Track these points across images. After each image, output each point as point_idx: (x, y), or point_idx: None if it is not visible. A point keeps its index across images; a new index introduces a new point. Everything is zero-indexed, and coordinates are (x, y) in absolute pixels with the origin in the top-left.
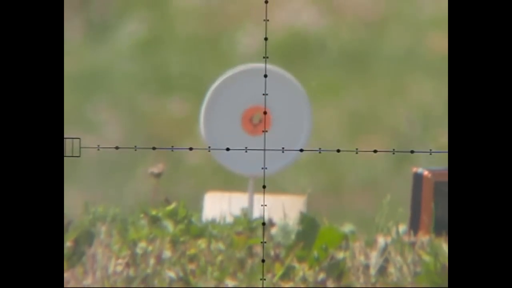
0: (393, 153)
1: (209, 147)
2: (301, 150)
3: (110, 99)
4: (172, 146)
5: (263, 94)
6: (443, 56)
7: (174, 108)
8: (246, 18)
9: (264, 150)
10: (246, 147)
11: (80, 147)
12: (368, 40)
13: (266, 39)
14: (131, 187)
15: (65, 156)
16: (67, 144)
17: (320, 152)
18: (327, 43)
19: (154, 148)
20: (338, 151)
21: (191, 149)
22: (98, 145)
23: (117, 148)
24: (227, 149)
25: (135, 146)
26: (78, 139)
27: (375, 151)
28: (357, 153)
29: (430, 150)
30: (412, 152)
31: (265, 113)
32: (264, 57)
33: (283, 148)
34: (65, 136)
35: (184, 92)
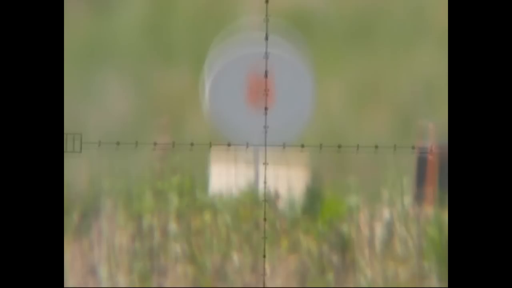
0: (395, 149)
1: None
2: (302, 146)
3: (114, 71)
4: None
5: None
6: (445, 26)
7: (178, 78)
8: None
9: (266, 127)
10: (247, 143)
11: (81, 142)
12: (370, 11)
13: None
14: (136, 158)
15: (66, 152)
16: (68, 139)
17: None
18: (329, 14)
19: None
20: (339, 146)
21: (192, 144)
22: (99, 141)
23: (118, 143)
24: (228, 145)
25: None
26: (79, 135)
27: (376, 147)
28: (358, 149)
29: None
30: (413, 148)
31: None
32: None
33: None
34: (66, 132)
35: (186, 62)
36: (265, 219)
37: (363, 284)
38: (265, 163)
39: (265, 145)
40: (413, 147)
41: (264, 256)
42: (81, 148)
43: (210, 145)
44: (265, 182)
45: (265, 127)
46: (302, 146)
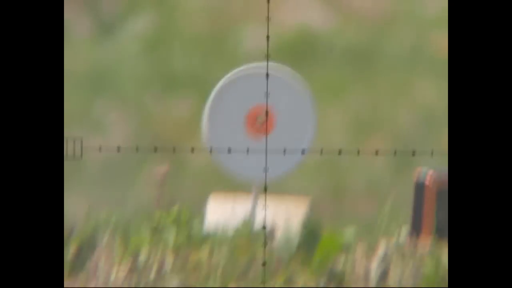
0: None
1: (211, 148)
2: (303, 152)
3: (114, 97)
4: (174, 147)
5: (266, 92)
6: (446, 55)
7: (178, 108)
8: (250, 17)
9: (266, 151)
10: (247, 148)
11: (82, 147)
12: (372, 39)
13: (268, 37)
14: (133, 191)
15: (66, 158)
16: (69, 145)
17: (321, 153)
18: (332, 42)
19: (156, 149)
20: (340, 152)
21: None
22: (100, 146)
23: (118, 150)
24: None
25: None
26: (79, 141)
27: (376, 153)
28: (358, 154)
29: (432, 151)
30: (413, 154)
31: (267, 114)
32: (266, 56)
33: (285, 150)
34: (66, 137)
35: (188, 91)
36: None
37: None
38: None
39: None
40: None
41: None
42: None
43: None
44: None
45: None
46: (302, 152)
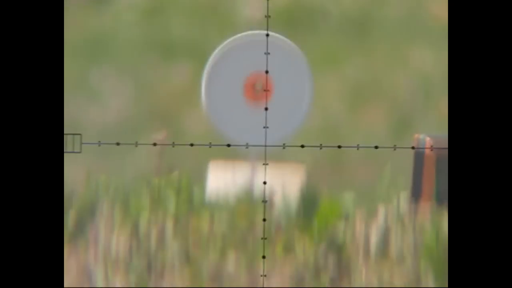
0: (394, 149)
1: (210, 143)
2: (302, 146)
3: (112, 66)
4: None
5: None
6: (444, 22)
7: (176, 75)
8: None
9: (265, 127)
10: (247, 143)
11: (81, 143)
12: (369, 7)
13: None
14: (133, 157)
15: (66, 152)
16: (68, 139)
17: (321, 149)
18: (328, 11)
19: (154, 144)
20: (339, 147)
21: (192, 145)
22: (99, 141)
23: (118, 144)
24: (228, 146)
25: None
26: (79, 135)
27: (376, 147)
28: (357, 149)
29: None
30: (413, 148)
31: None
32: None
33: (284, 144)
34: (65, 132)
35: (186, 58)
36: (264, 220)
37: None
38: (265, 163)
39: (265, 145)
40: (412, 147)
41: (264, 257)
42: (81, 148)
43: (210, 145)
44: (264, 183)
45: (265, 127)
46: (302, 146)
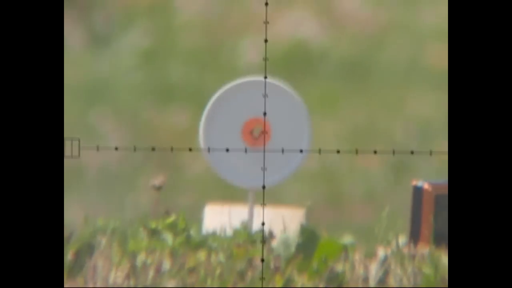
0: (393, 154)
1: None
2: (301, 151)
3: (111, 109)
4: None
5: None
6: (443, 68)
7: (174, 119)
8: (247, 30)
9: (264, 169)
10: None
11: (80, 148)
12: (368, 52)
13: (266, 41)
14: (131, 199)
15: (65, 157)
16: (67, 145)
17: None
18: (327, 55)
19: (153, 149)
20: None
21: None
22: (97, 145)
23: (116, 149)
24: (227, 149)
25: (135, 147)
26: (77, 140)
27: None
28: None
29: (430, 150)
30: (412, 152)
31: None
32: (264, 59)
33: (282, 149)
34: (65, 137)
35: (185, 103)
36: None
37: None
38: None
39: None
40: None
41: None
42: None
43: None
44: (263, 224)
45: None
46: (301, 151)
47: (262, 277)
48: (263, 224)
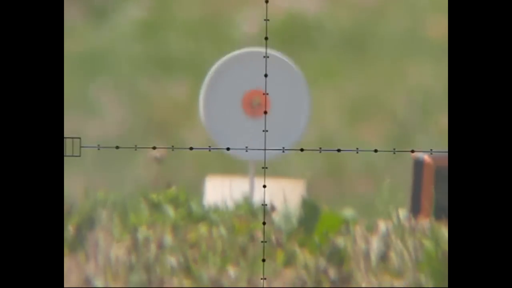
0: (394, 153)
1: (209, 146)
2: (302, 150)
3: (110, 81)
4: (173, 146)
5: (264, 93)
6: (442, 39)
7: (174, 90)
8: (246, 1)
9: (265, 150)
10: (246, 147)
11: (80, 147)
12: (367, 23)
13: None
14: (131, 171)
15: (65, 156)
16: (67, 143)
17: (320, 151)
18: (326, 27)
19: (154, 148)
20: (339, 150)
21: (191, 148)
22: (98, 145)
23: (117, 147)
24: (228, 149)
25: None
26: (78, 139)
27: (375, 151)
28: (357, 152)
29: (431, 150)
30: (412, 151)
31: (265, 112)
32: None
33: (283, 148)
34: (65, 136)
35: (184, 74)
36: (264, 223)
37: None
38: (264, 167)
39: (265, 149)
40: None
41: (264, 260)
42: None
43: (210, 149)
44: (264, 186)
45: (265, 130)
46: (302, 150)
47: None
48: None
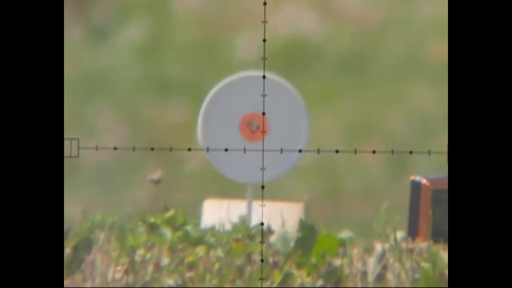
0: (392, 154)
1: (207, 149)
2: (300, 151)
3: (109, 103)
4: (169, 152)
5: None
6: (443, 62)
7: (172, 114)
8: (244, 24)
9: (263, 169)
10: (244, 148)
11: (79, 148)
12: (367, 46)
13: (264, 40)
14: (129, 193)
15: (64, 157)
16: (66, 145)
17: (318, 153)
18: (325, 49)
19: (152, 149)
20: (337, 151)
21: (189, 149)
22: (97, 146)
23: (115, 148)
24: (226, 149)
25: (134, 147)
26: (76, 140)
27: (373, 152)
28: (355, 153)
29: (429, 150)
30: (410, 152)
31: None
32: (262, 59)
33: (281, 149)
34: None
35: (182, 97)
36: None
37: None
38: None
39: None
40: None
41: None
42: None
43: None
44: (262, 224)
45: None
46: (300, 151)
47: (261, 278)
48: (262, 224)
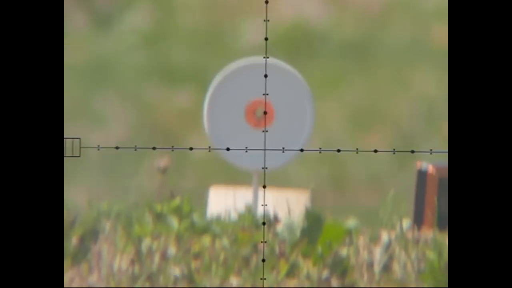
0: (394, 153)
1: (209, 147)
2: (301, 150)
3: (113, 91)
4: (173, 146)
5: (264, 93)
6: (446, 48)
7: (177, 100)
8: (248, 10)
9: (265, 150)
10: (246, 147)
11: (80, 147)
12: (370, 32)
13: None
14: (135, 182)
15: (65, 156)
16: (67, 144)
17: (320, 152)
18: (329, 35)
19: (154, 149)
20: (339, 151)
21: (191, 149)
22: (99, 145)
23: (117, 148)
24: (227, 149)
25: (135, 146)
26: (78, 139)
27: (375, 151)
28: (357, 152)
29: (431, 150)
30: (412, 152)
31: (265, 113)
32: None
33: (283, 148)
34: (65, 136)
35: (187, 84)
36: (263, 260)
37: None
38: (264, 167)
39: (265, 149)
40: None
41: (263, 260)
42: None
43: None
44: (264, 186)
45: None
46: (301, 150)
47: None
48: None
